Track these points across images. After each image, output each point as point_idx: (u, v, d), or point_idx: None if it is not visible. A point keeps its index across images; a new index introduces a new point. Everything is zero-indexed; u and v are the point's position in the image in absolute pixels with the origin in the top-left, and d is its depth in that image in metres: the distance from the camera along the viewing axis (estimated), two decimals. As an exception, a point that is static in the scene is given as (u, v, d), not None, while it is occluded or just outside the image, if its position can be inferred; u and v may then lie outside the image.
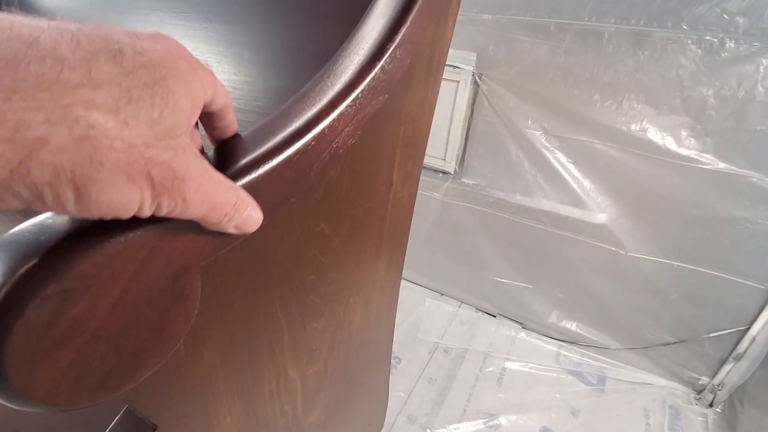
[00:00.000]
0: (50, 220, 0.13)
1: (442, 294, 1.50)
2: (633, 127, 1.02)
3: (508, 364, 1.27)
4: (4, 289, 0.12)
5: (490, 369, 1.25)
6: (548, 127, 1.11)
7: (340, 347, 0.35)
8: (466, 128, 1.22)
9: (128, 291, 0.15)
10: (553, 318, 1.31)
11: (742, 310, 1.04)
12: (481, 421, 1.10)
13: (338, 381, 0.39)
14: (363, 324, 0.39)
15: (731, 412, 1.08)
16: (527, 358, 1.28)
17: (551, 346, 1.32)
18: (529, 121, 1.13)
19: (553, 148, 1.13)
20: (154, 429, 0.19)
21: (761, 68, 0.87)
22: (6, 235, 0.13)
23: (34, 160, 0.12)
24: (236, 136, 0.21)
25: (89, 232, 0.13)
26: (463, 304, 1.46)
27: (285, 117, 0.22)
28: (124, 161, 0.13)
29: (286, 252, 0.24)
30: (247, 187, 0.19)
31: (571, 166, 1.13)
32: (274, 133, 0.21)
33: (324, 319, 0.31)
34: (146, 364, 0.17)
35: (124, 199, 0.14)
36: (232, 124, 0.21)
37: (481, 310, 1.44)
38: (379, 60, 0.25)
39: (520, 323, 1.38)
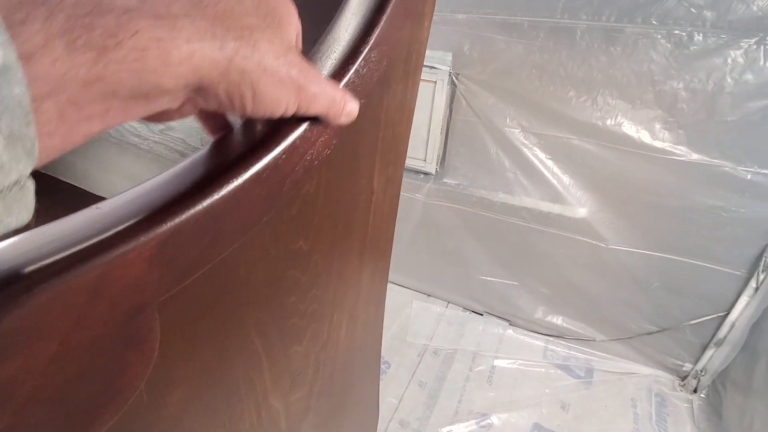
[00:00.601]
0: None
1: (429, 295, 1.49)
2: (608, 121, 1.03)
3: (498, 362, 1.26)
4: None
5: (479, 368, 1.25)
6: (526, 124, 1.12)
7: (325, 367, 0.33)
8: (445, 128, 1.22)
9: (69, 343, 0.13)
10: (539, 313, 1.32)
11: (720, 296, 1.06)
12: (473, 421, 1.09)
13: (325, 401, 0.37)
14: (349, 339, 0.37)
15: (715, 396, 1.11)
16: (516, 354, 1.29)
17: (539, 342, 1.33)
18: (507, 119, 1.13)
19: (531, 146, 1.13)
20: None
21: (729, 60, 0.90)
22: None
23: (232, 63, 0.17)
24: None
25: (15, 280, 0.11)
26: (450, 305, 1.46)
27: (251, 128, 0.20)
28: (276, 66, 0.18)
29: (260, 275, 0.22)
30: (214, 208, 0.17)
31: (550, 163, 1.13)
32: (239, 146, 0.19)
33: (307, 340, 0.29)
34: (100, 419, 0.15)
35: (279, 96, 0.19)
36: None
37: (468, 309, 1.44)
38: (353, 63, 0.24)
39: (507, 320, 1.38)
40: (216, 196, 0.17)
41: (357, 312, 0.38)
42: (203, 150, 0.19)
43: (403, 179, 0.41)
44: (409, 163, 1.24)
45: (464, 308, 1.44)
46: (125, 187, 0.17)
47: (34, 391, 0.12)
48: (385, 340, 1.28)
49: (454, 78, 1.14)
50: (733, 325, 1.06)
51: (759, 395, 0.94)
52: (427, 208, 1.34)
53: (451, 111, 1.19)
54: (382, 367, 1.22)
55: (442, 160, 1.26)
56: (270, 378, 0.25)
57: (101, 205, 0.15)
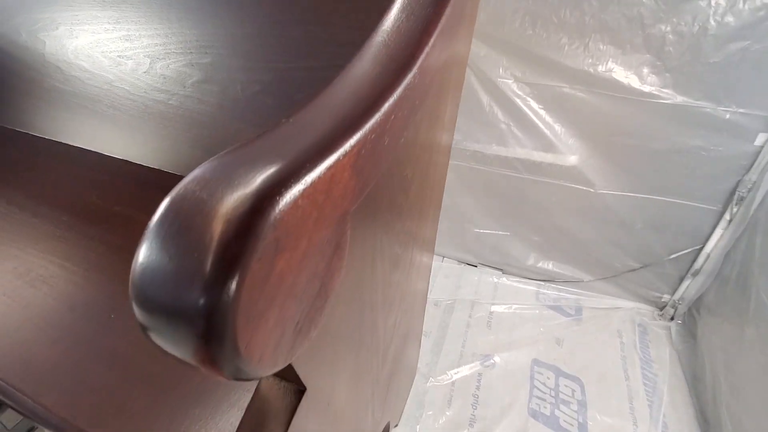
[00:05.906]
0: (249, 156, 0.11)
1: (425, 251, 1.53)
2: (599, 68, 1.05)
3: (494, 308, 1.34)
4: (227, 239, 0.10)
5: (478, 315, 1.31)
6: (519, 74, 1.13)
7: (404, 299, 0.35)
8: (437, 82, 1.20)
9: (312, 241, 0.13)
10: (530, 260, 1.39)
11: (698, 230, 1.15)
12: (477, 362, 1.17)
13: (401, 332, 0.39)
14: (417, 275, 0.39)
15: (691, 322, 1.23)
16: (511, 300, 1.36)
17: (531, 287, 1.40)
18: (501, 70, 1.13)
19: (524, 96, 1.15)
20: (303, 391, 0.18)
21: (712, 2, 0.93)
22: (211, 175, 0.11)
23: None
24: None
25: (289, 173, 0.11)
26: (445, 259, 1.51)
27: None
28: None
29: (386, 200, 0.23)
30: (389, 118, 0.17)
31: (542, 112, 1.16)
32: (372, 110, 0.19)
33: (399, 269, 0.30)
34: (316, 322, 0.15)
35: None
36: None
37: (463, 262, 1.49)
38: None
39: (501, 269, 1.45)
40: (385, 107, 0.17)
41: (422, 250, 0.40)
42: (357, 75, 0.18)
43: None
44: (402, 120, 1.23)
45: (459, 261, 1.50)
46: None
47: (291, 287, 0.13)
48: (388, 295, 1.31)
49: (446, 29, 1.12)
50: (708, 256, 1.16)
51: (724, 316, 1.05)
52: (421, 165, 1.35)
53: (443, 64, 1.18)
54: (388, 320, 1.26)
55: (435, 115, 1.26)
56: (381, 303, 0.26)
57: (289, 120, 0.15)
